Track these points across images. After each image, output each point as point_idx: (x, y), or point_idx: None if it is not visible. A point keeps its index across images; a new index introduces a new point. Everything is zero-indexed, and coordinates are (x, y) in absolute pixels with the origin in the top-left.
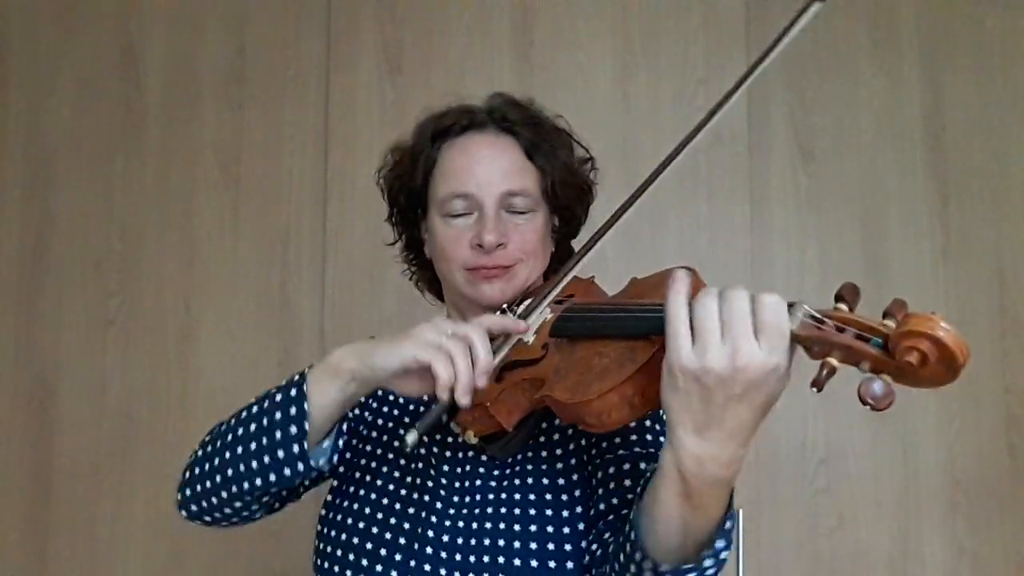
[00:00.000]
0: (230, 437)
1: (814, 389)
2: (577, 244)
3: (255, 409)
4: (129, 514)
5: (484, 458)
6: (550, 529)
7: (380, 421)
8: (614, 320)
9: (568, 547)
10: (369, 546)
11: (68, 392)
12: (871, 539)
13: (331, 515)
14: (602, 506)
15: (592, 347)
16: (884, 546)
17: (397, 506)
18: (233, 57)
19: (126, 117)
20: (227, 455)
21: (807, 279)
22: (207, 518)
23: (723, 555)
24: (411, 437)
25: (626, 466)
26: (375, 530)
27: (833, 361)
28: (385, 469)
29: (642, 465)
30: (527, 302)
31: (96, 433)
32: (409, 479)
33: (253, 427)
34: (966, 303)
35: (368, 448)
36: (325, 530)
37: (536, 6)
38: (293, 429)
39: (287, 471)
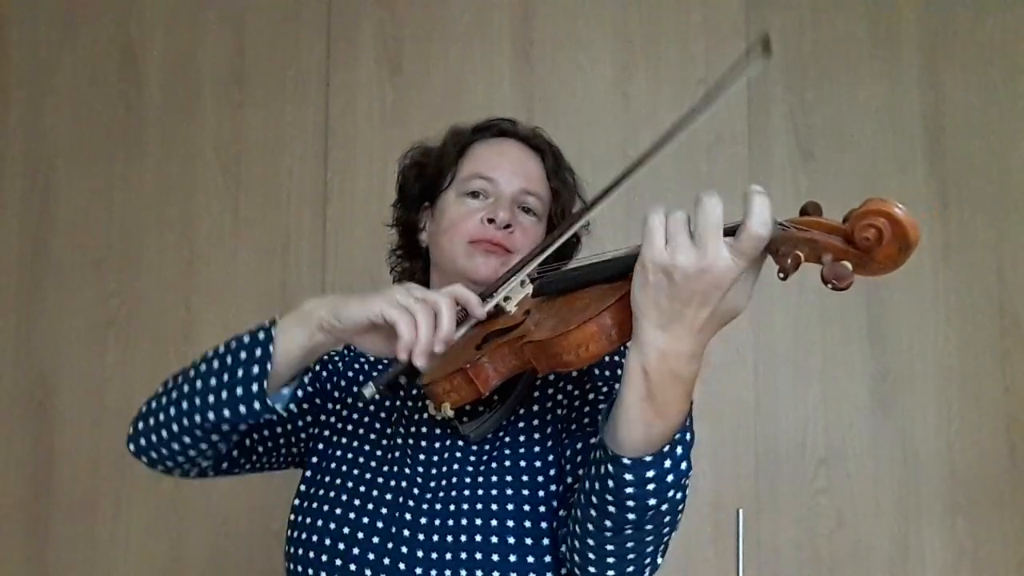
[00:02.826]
0: (192, 372)
1: (781, 276)
2: None
3: (221, 348)
4: (129, 514)
5: (460, 443)
6: (526, 508)
7: (355, 416)
8: (593, 268)
9: (544, 524)
10: (346, 531)
11: (68, 392)
12: (871, 539)
13: (305, 503)
14: (570, 479)
15: (573, 296)
16: (884, 546)
17: (374, 493)
18: (233, 57)
19: (126, 117)
20: (186, 388)
21: (807, 279)
22: (153, 454)
23: (683, 465)
24: (368, 390)
25: (593, 441)
26: (352, 515)
27: (799, 253)
28: (361, 459)
29: None
30: (507, 274)
31: (96, 433)
32: (386, 468)
33: (216, 364)
34: (966, 303)
35: (344, 441)
36: (299, 518)
37: (536, 6)
38: (255, 369)
39: (243, 408)
